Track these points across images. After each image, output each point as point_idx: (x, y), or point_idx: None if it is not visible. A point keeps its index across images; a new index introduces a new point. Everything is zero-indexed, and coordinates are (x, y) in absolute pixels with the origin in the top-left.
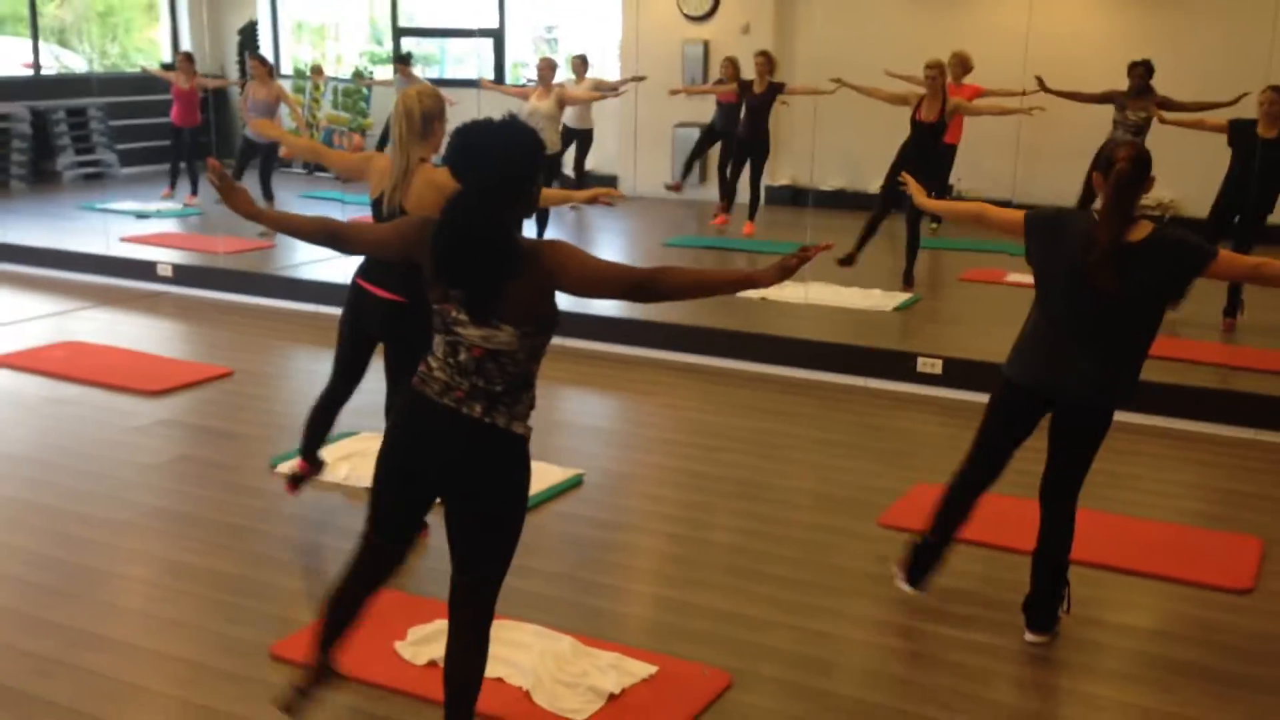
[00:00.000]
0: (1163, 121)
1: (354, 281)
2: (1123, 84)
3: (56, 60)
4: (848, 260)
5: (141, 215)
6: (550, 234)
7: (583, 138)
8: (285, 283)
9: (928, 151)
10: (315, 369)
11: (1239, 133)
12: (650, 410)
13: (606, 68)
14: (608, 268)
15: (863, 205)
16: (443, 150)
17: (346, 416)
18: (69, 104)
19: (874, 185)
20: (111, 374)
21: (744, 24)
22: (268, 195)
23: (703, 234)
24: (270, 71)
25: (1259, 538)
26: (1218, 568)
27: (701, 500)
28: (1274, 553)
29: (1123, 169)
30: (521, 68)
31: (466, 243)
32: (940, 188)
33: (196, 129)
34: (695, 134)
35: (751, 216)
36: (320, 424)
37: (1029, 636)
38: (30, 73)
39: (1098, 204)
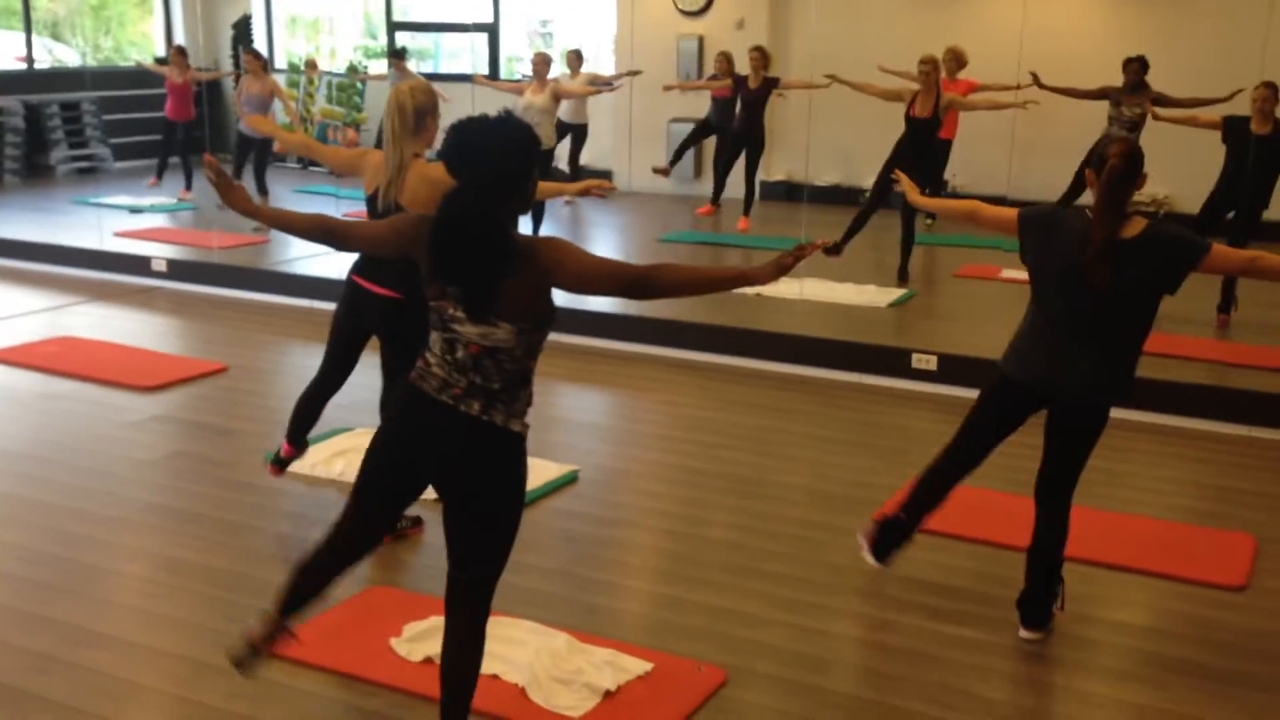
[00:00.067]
0: (1156, 118)
1: (350, 278)
2: (1118, 80)
3: (49, 54)
4: (834, 249)
5: (135, 210)
6: (545, 229)
7: (577, 132)
8: (279, 278)
9: (922, 147)
10: (309, 364)
11: (1232, 129)
12: (646, 406)
13: (601, 62)
14: (604, 265)
15: (857, 201)
16: (436, 145)
17: (340, 412)
18: (62, 98)
19: (869, 181)
20: (105, 369)
21: (739, 19)
22: (262, 190)
23: (697, 229)
24: (265, 66)
25: (1253, 535)
26: (1212, 565)
27: (697, 497)
28: (1268, 550)
29: (1115, 165)
30: (516, 62)
31: (463, 239)
32: (935, 183)
33: (190, 123)
34: (690, 129)
35: (746, 212)
36: (308, 412)
37: (1023, 633)
38: (23, 66)
39: (1090, 200)
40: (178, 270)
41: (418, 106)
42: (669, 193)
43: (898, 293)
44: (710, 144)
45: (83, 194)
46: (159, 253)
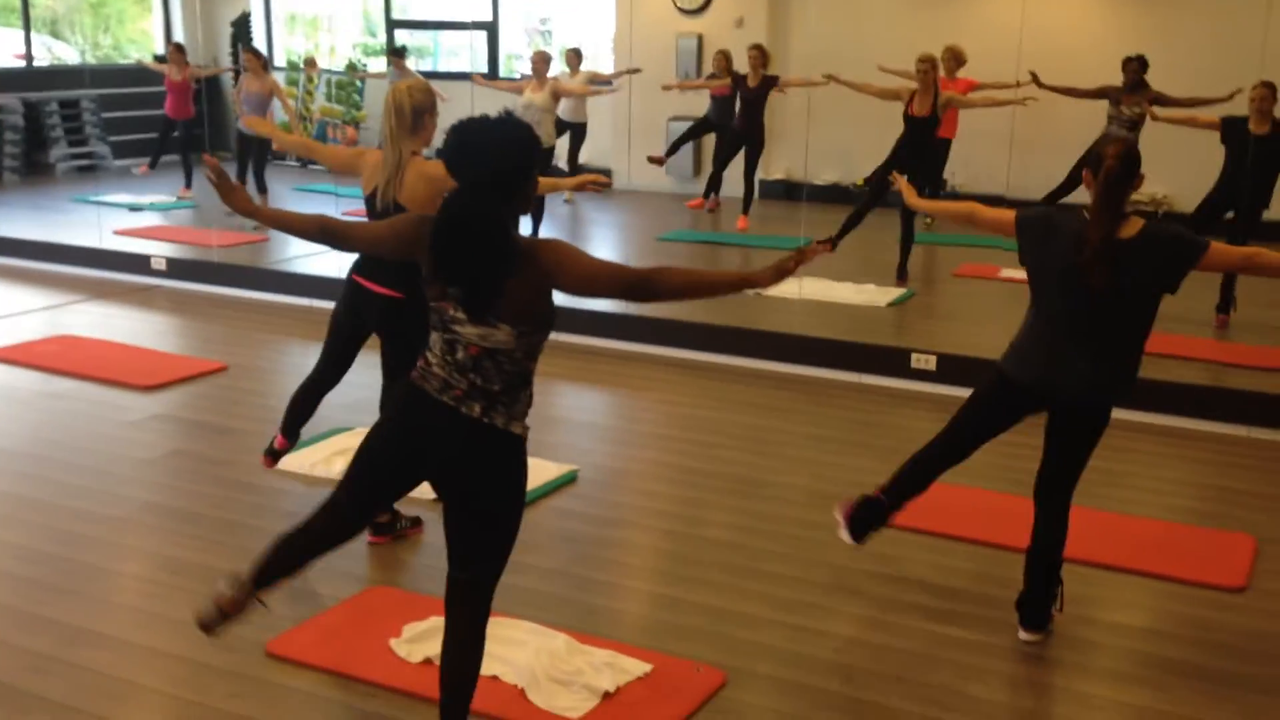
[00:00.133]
0: (1155, 118)
1: (350, 277)
2: (1117, 79)
3: (49, 51)
4: (828, 243)
5: (135, 208)
6: (544, 229)
7: (577, 130)
8: (279, 276)
9: (922, 146)
10: (309, 363)
11: (1231, 129)
12: (644, 406)
13: (600, 61)
14: (604, 267)
15: (856, 200)
16: (435, 144)
17: (339, 412)
18: (61, 95)
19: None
20: (105, 368)
21: (738, 18)
22: (261, 188)
23: (696, 228)
24: (264, 65)
25: (1252, 535)
26: (1211, 566)
27: (696, 496)
28: (1267, 551)
29: (1111, 166)
30: (515, 60)
31: (464, 239)
32: (935, 182)
33: (190, 121)
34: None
35: (745, 210)
36: (303, 407)
37: (1022, 634)
38: (22, 64)
39: (1084, 199)
40: (177, 269)
41: (415, 105)
42: (668, 191)
43: (897, 292)
44: (709, 142)
45: (82, 192)
46: (158, 251)
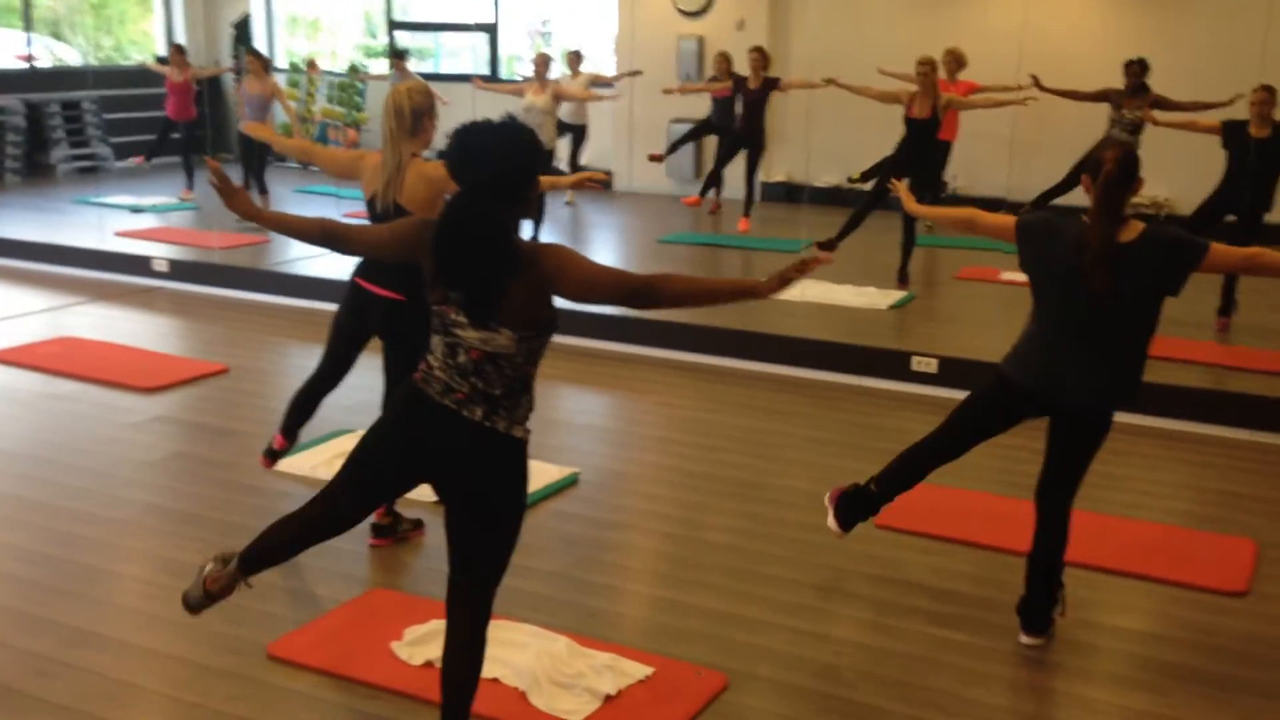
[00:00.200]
0: (1155, 123)
1: (352, 280)
2: (1118, 82)
3: (50, 53)
4: (828, 245)
5: (136, 209)
6: (545, 231)
7: (577, 132)
8: (280, 278)
9: (922, 148)
10: (310, 365)
11: (1232, 133)
12: (645, 408)
13: (601, 62)
14: (605, 274)
15: (857, 202)
16: (435, 146)
17: (338, 414)
18: (63, 97)
19: (869, 183)
20: (107, 370)
21: (739, 20)
22: (262, 190)
23: (697, 230)
24: (266, 67)
25: (1253, 540)
26: (1212, 570)
27: (697, 500)
28: (1268, 555)
29: (1110, 171)
30: (516, 62)
31: (466, 242)
32: (935, 185)
33: (192, 123)
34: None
35: (746, 213)
36: (303, 408)
37: (1023, 639)
38: (24, 65)
39: (1079, 201)
40: (179, 270)
41: (415, 108)
42: (669, 193)
43: (898, 295)
44: (710, 144)
45: (84, 193)
46: (160, 253)
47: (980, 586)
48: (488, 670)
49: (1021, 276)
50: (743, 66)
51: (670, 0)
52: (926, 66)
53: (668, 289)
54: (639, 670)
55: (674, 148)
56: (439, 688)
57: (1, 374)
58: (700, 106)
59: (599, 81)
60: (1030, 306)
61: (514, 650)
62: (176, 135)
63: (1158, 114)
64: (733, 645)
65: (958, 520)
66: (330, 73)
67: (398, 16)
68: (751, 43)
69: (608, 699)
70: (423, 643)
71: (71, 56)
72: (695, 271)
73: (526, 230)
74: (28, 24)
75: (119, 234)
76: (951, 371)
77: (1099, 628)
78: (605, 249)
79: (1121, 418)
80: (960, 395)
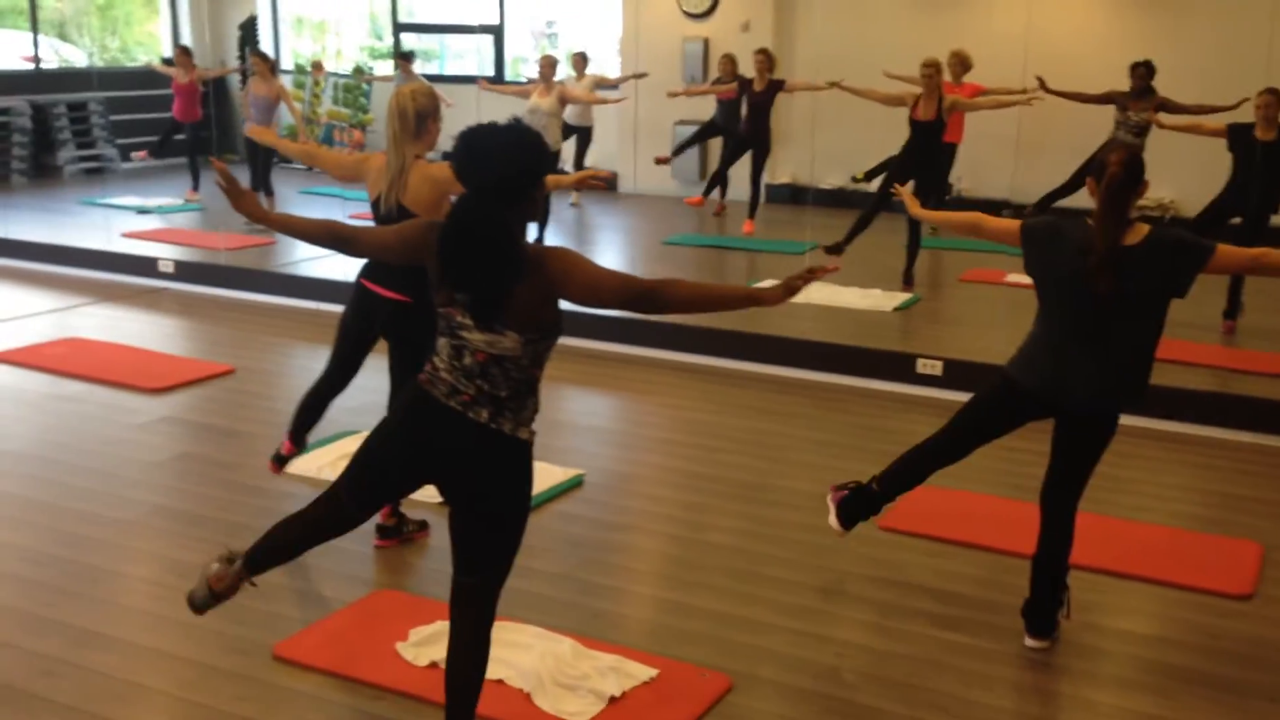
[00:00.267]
0: (1161, 126)
1: (358, 281)
2: (1123, 83)
3: (56, 54)
4: (834, 249)
5: (142, 210)
6: (550, 232)
7: (583, 135)
8: (286, 280)
9: (927, 151)
10: (316, 366)
11: (1238, 136)
12: (650, 410)
13: (607, 64)
14: (611, 278)
15: (862, 203)
16: (440, 147)
17: (344, 416)
18: (69, 98)
19: (873, 184)
20: (113, 371)
21: (744, 22)
22: (268, 192)
23: (702, 232)
24: (272, 68)
25: (1259, 542)
26: (1218, 573)
27: (701, 501)
28: (1274, 558)
29: (1115, 174)
30: (521, 63)
31: (472, 244)
32: (940, 187)
33: (197, 124)
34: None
35: (751, 215)
36: (311, 411)
37: (1029, 641)
38: (30, 67)
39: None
40: (185, 271)
41: (419, 110)
42: (674, 194)
43: (903, 297)
44: (716, 146)
45: (90, 194)
46: (166, 254)
47: (984, 589)
48: (492, 671)
49: (1027, 279)
50: (748, 68)
51: (675, 2)
52: (931, 69)
53: (673, 295)
54: (643, 672)
55: (680, 150)
56: (444, 689)
57: (8, 374)
58: (705, 108)
59: (604, 84)
60: (1036, 309)
61: (519, 651)
62: (181, 136)
63: (1163, 117)
64: (736, 647)
65: (961, 522)
66: (335, 74)
67: (403, 18)
68: (756, 45)
69: (612, 700)
70: (428, 644)
71: (77, 58)
72: (700, 273)
73: (531, 232)
74: (34, 25)
75: (125, 235)
76: (956, 374)
77: (1104, 630)
78: (610, 250)
79: (1126, 420)
80: (965, 398)
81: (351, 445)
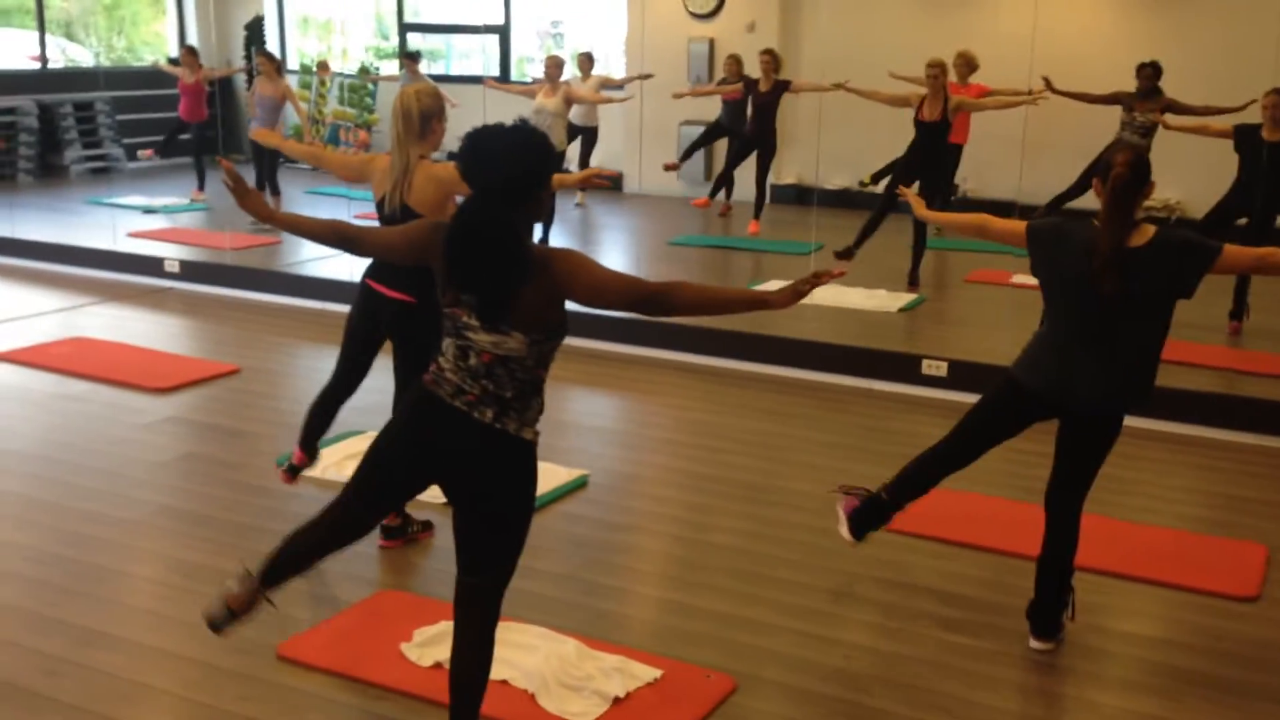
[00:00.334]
0: (1167, 127)
1: (364, 282)
2: (1129, 84)
3: (63, 54)
4: (845, 254)
5: (148, 210)
6: (555, 233)
7: (588, 135)
8: (291, 280)
9: (933, 151)
10: (321, 366)
11: (1244, 137)
12: (654, 411)
13: (612, 65)
14: (617, 280)
15: (867, 204)
16: (445, 147)
17: (351, 416)
18: (76, 98)
19: (880, 186)
20: (118, 370)
21: (749, 22)
22: (274, 191)
23: (708, 233)
24: (278, 68)
25: (1264, 544)
26: (1223, 575)
27: (705, 502)
28: (1279, 560)
29: (1120, 174)
30: (527, 63)
31: (477, 245)
32: (946, 188)
33: (203, 124)
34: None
35: (757, 215)
36: (321, 418)
37: (1033, 643)
38: (37, 66)
39: (1090, 205)
40: (190, 271)
41: (423, 110)
42: (679, 195)
43: (908, 298)
44: (721, 147)
45: (96, 194)
46: (171, 254)
47: (989, 591)
48: (496, 672)
49: (1032, 280)
50: (753, 69)
51: (681, 2)
52: (936, 69)
53: (679, 298)
54: (648, 673)
55: (687, 154)
56: (448, 689)
57: (13, 374)
58: (711, 109)
59: (609, 84)
60: (1041, 310)
61: (523, 652)
62: (186, 136)
63: (1169, 118)
64: (741, 648)
65: (967, 524)
66: (341, 74)
67: (409, 18)
68: (762, 45)
69: (616, 701)
70: (432, 644)
71: (84, 57)
72: (705, 274)
73: (536, 232)
74: (41, 25)
75: (131, 235)
76: (962, 375)
77: (1109, 632)
78: (615, 250)
79: (1131, 422)
80: (970, 399)
81: (357, 445)
